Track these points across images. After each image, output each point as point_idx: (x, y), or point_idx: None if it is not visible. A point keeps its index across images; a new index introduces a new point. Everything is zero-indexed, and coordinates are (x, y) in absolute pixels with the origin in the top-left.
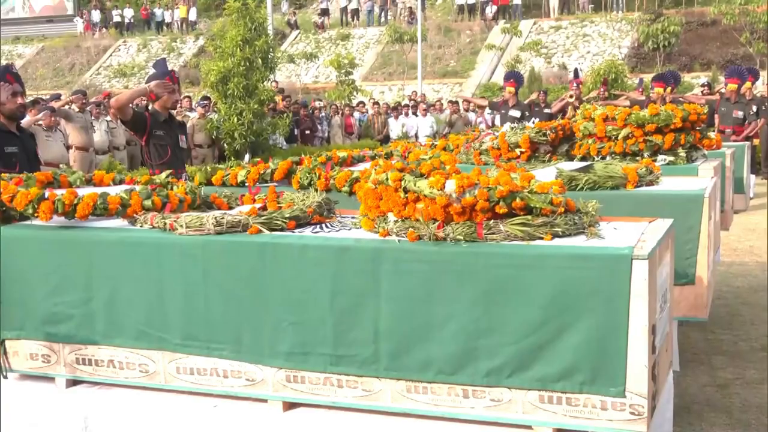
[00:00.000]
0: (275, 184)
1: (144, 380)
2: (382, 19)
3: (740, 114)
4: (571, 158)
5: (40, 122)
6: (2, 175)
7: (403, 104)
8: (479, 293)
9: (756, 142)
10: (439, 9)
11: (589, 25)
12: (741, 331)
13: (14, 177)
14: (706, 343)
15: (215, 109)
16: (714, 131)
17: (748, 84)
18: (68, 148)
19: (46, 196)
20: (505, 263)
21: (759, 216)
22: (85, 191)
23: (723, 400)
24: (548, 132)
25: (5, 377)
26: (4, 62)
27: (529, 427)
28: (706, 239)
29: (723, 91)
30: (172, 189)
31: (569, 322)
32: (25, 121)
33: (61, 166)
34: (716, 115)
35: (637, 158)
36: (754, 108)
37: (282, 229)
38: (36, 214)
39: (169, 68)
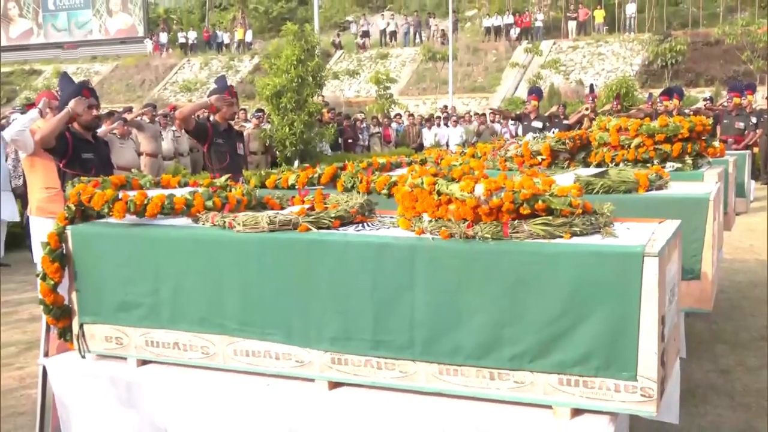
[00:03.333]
0: (322, 187)
1: (205, 361)
2: (417, 40)
3: (741, 125)
4: (587, 165)
5: (114, 131)
6: (81, 178)
7: (435, 116)
8: (505, 286)
9: (755, 150)
10: (468, 31)
11: (603, 45)
12: (742, 322)
13: (92, 180)
14: (710, 332)
15: (268, 120)
16: (717, 141)
17: (750, 97)
18: (139, 154)
19: (120, 197)
20: (528, 259)
21: (759, 218)
22: (153, 193)
23: (725, 384)
24: (567, 141)
25: (83, 357)
26: (82, 78)
27: (549, 407)
28: (710, 239)
29: (725, 104)
30: (230, 191)
31: (586, 313)
32: (100, 131)
33: (132, 170)
34: (718, 126)
35: (648, 165)
36: (754, 120)
37: (328, 228)
38: (111, 213)
39: (228, 84)
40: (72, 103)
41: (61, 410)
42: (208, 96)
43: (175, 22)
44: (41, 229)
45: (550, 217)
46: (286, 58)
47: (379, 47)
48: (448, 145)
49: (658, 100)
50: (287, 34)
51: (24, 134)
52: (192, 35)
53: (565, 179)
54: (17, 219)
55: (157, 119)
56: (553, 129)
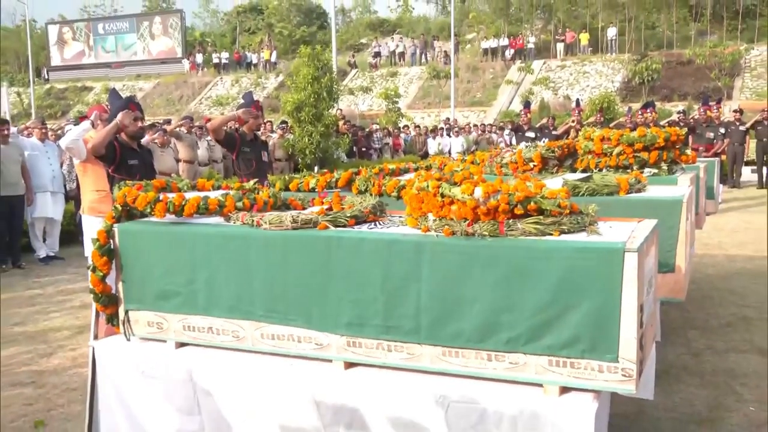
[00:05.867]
0: (339, 190)
1: (235, 344)
2: (423, 60)
3: (711, 135)
4: (574, 170)
5: (156, 141)
6: (127, 182)
7: (439, 127)
8: (501, 278)
9: (723, 157)
10: (468, 52)
11: (588, 64)
12: (711, 311)
13: (136, 184)
14: (683, 319)
15: (291, 131)
16: (689, 149)
17: (720, 110)
18: (178, 161)
19: (161, 198)
20: (522, 254)
21: (726, 218)
22: (190, 195)
23: (696, 365)
24: (556, 149)
25: (128, 340)
26: (128, 94)
27: (540, 386)
28: (683, 236)
29: (696, 116)
30: (258, 193)
31: (573, 302)
32: (144, 140)
33: (172, 175)
34: (690, 136)
35: (628, 171)
36: (722, 130)
37: (344, 226)
38: (153, 213)
39: (254, 99)
40: (120, 115)
41: (107, 387)
42: (237, 110)
43: (209, 44)
44: (92, 227)
45: (541, 217)
46: (303, 77)
47: (389, 66)
48: (450, 153)
49: (638, 112)
50: (303, 56)
51: (78, 143)
52: (224, 56)
53: (554, 183)
54: (59, 217)
55: (193, 130)
56: (543, 138)
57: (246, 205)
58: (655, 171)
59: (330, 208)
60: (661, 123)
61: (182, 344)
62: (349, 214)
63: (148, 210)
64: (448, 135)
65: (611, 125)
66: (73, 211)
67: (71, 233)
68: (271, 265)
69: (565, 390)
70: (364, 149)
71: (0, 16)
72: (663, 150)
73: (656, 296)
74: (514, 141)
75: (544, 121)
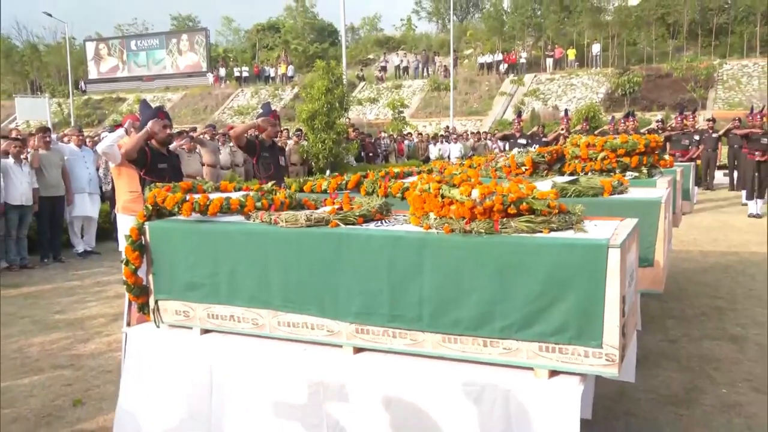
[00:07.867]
0: (348, 191)
1: (254, 330)
2: (425, 74)
3: (686, 142)
4: (562, 174)
5: (183, 146)
6: (156, 184)
7: (439, 135)
8: (496, 271)
9: (698, 162)
10: (466, 66)
11: (575, 77)
12: (687, 301)
13: (165, 186)
14: (661, 309)
15: (306, 138)
16: (667, 155)
17: (696, 119)
18: (202, 165)
19: (187, 199)
20: (515, 250)
21: (700, 217)
22: (214, 196)
23: (673, 351)
24: (545, 155)
25: (158, 327)
26: (158, 104)
27: (531, 369)
28: (662, 233)
29: (673, 125)
30: (275, 194)
31: (561, 293)
32: (172, 146)
33: (197, 178)
34: (668, 143)
35: (611, 174)
36: (697, 138)
37: (354, 224)
38: (180, 212)
39: (272, 109)
40: (150, 123)
41: (136, 370)
42: (257, 118)
43: (231, 59)
44: (125, 224)
45: (533, 216)
46: (318, 88)
47: (394, 79)
48: (449, 158)
49: (620, 121)
50: (318, 69)
51: (113, 148)
52: (245, 70)
53: (544, 185)
54: (95, 215)
55: (216, 137)
56: (534, 145)
57: (264, 205)
58: (636, 174)
59: (341, 208)
60: (642, 131)
61: (206, 331)
62: (357, 213)
63: (176, 209)
64: (448, 142)
65: (596, 133)
66: (108, 210)
67: (106, 230)
68: (287, 259)
69: (554, 373)
70: (371, 154)
71: (0, 27)
72: (643, 155)
73: (637, 288)
74: (507, 147)
75: (535, 129)
